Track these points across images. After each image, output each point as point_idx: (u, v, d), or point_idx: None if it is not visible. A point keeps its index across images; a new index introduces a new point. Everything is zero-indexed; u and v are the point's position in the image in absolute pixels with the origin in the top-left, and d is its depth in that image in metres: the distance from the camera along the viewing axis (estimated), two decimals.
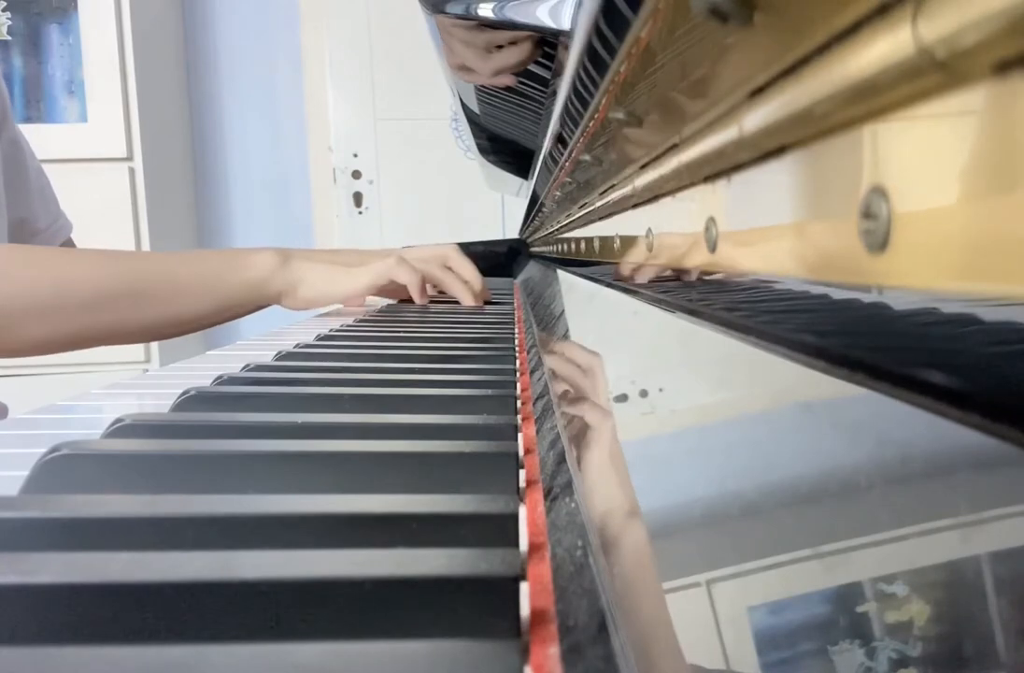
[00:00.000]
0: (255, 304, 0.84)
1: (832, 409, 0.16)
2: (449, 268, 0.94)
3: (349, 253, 0.93)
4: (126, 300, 0.75)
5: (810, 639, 0.13)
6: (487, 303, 0.95)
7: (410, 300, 0.92)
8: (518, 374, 0.46)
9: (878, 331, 0.15)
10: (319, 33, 2.32)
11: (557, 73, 0.48)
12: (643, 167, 0.34)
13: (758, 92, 0.18)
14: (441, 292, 0.98)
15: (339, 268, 0.86)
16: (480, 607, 0.17)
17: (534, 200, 1.12)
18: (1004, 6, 0.09)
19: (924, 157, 0.12)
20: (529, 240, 1.55)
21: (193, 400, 0.36)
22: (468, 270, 0.95)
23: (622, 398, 0.30)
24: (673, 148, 0.28)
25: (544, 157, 0.70)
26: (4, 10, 1.96)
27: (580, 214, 0.67)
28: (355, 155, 2.36)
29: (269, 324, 0.87)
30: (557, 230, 0.95)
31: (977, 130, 0.10)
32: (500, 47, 0.60)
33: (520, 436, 0.32)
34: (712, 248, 0.24)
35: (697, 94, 0.23)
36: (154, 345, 2.01)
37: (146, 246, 2.00)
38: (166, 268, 0.80)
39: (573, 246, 0.78)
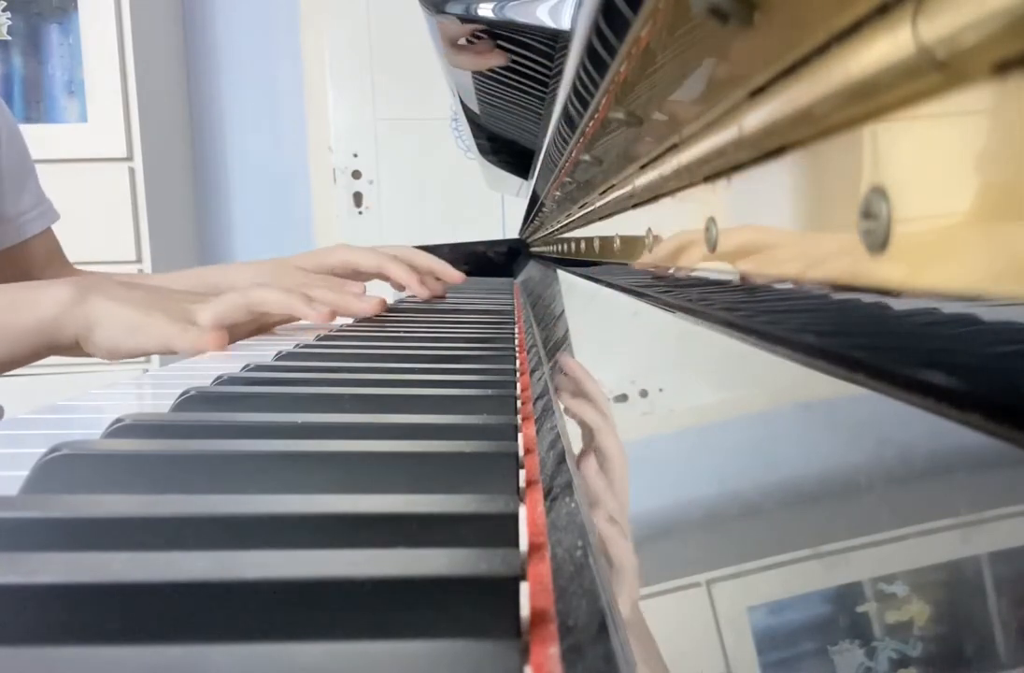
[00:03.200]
0: (49, 350, 0.67)
1: (832, 409, 0.16)
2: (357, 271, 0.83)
3: (201, 274, 0.76)
4: None
5: (810, 639, 0.13)
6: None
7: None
8: (518, 374, 0.46)
9: (878, 331, 0.15)
10: (319, 33, 2.32)
11: (557, 73, 0.48)
12: (643, 167, 0.34)
13: (758, 92, 0.18)
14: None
15: (152, 312, 0.65)
16: (480, 607, 0.17)
17: (534, 200, 1.12)
18: (1004, 6, 0.09)
19: (924, 157, 0.12)
20: (529, 240, 1.55)
21: (193, 400, 0.36)
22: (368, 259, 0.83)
23: (622, 398, 0.30)
24: (673, 148, 0.28)
25: (544, 157, 0.70)
26: (4, 10, 1.96)
27: (580, 214, 0.67)
28: (355, 155, 2.36)
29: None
30: (557, 230, 0.95)
31: (977, 130, 0.10)
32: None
33: (520, 436, 0.32)
34: (712, 248, 0.24)
35: (697, 94, 0.23)
36: None
37: (146, 246, 1.99)
38: None
39: (573, 246, 0.78)
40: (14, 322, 0.64)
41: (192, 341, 0.63)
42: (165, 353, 0.67)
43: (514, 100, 0.75)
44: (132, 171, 1.98)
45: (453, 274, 0.94)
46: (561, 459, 0.27)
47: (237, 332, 0.72)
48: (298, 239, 2.40)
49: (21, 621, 0.17)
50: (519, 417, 0.36)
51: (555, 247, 1.00)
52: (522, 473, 0.28)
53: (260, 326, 0.77)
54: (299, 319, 0.78)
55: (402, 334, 0.64)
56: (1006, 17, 0.09)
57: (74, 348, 0.67)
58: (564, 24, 0.47)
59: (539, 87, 0.61)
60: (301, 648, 0.15)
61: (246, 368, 0.45)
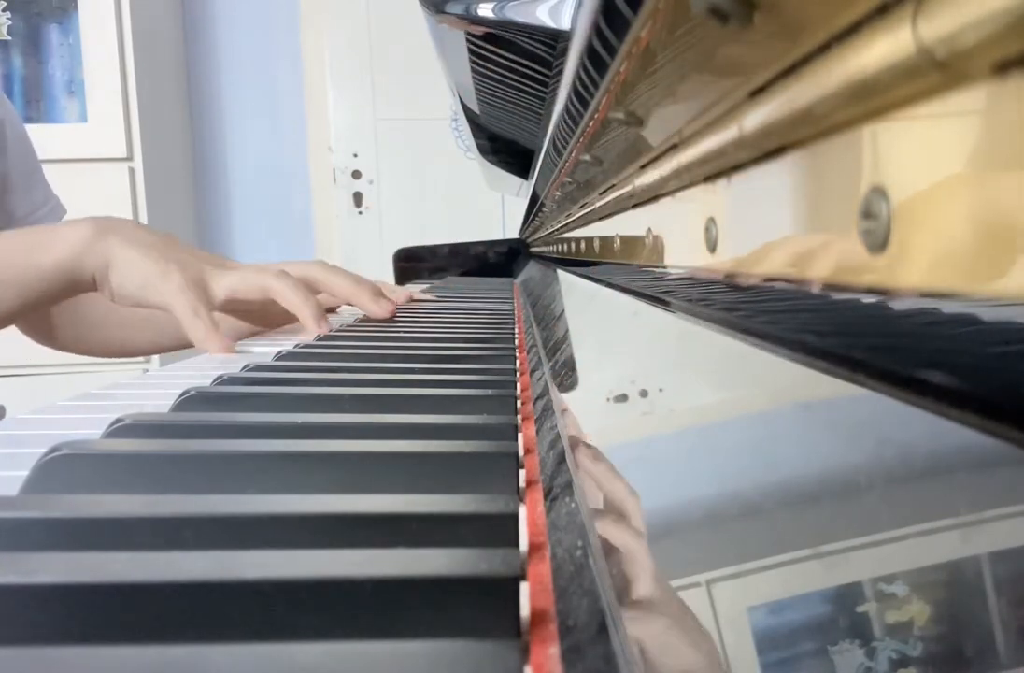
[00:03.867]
0: (72, 288, 0.66)
1: (832, 409, 0.16)
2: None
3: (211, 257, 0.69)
4: None
5: (810, 639, 0.13)
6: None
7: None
8: (518, 374, 0.46)
9: (878, 331, 0.15)
10: (319, 33, 2.32)
11: (557, 73, 0.48)
12: (643, 167, 0.34)
13: (758, 92, 0.18)
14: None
15: (169, 271, 0.62)
16: (480, 607, 0.17)
17: (534, 200, 1.12)
18: (1004, 6, 0.09)
19: (924, 157, 0.12)
20: (529, 240, 1.55)
21: (193, 400, 0.36)
22: (340, 284, 0.72)
23: (622, 398, 0.30)
24: (673, 148, 0.28)
25: (544, 157, 0.70)
26: (4, 10, 1.96)
27: (580, 214, 0.67)
28: (355, 155, 2.36)
29: None
30: (557, 230, 0.95)
31: (977, 130, 0.10)
32: None
33: (520, 436, 0.32)
34: (712, 248, 0.24)
35: (697, 94, 0.23)
36: None
37: None
38: None
39: (573, 246, 0.78)
40: (37, 262, 0.64)
41: (198, 337, 0.61)
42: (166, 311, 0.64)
43: (514, 100, 0.75)
44: (132, 171, 1.98)
45: (369, 305, 0.74)
46: (561, 459, 0.27)
47: (245, 310, 0.71)
48: (298, 239, 2.40)
49: (21, 621, 0.17)
50: (519, 417, 0.36)
51: (555, 247, 1.00)
52: (522, 473, 0.28)
53: (267, 315, 0.75)
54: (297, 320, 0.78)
55: (402, 334, 0.64)
56: (1006, 17, 0.09)
57: (94, 286, 0.66)
58: (564, 24, 0.47)
59: (539, 87, 0.61)
60: (301, 648, 0.15)
61: (246, 368, 0.45)
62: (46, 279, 0.64)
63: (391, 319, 0.74)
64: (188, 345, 0.66)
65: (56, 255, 0.64)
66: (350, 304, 0.74)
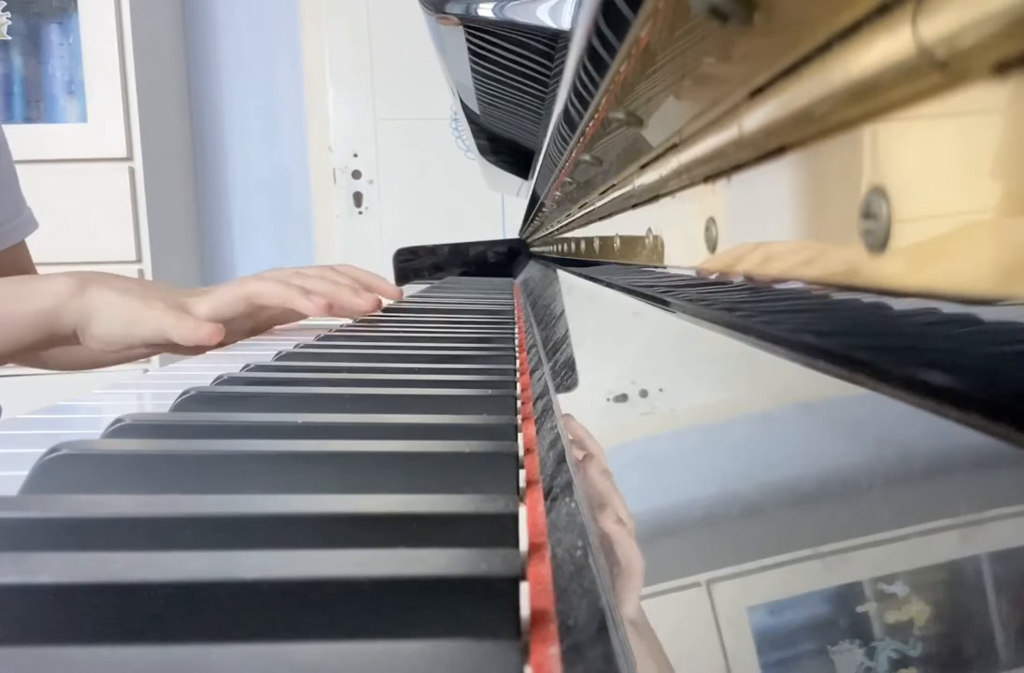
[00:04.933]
0: (50, 340, 0.68)
1: (832, 409, 0.16)
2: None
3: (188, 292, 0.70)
4: None
5: (810, 639, 0.13)
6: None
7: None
8: (518, 374, 0.46)
9: (878, 331, 0.15)
10: (319, 33, 2.32)
11: (557, 73, 0.48)
12: (643, 167, 0.34)
13: (758, 92, 0.18)
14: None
15: (150, 302, 0.64)
16: (480, 607, 0.17)
17: (534, 200, 1.12)
18: (1004, 6, 0.09)
19: (924, 157, 0.12)
20: (529, 240, 1.55)
21: (193, 400, 0.36)
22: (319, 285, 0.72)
23: (622, 398, 0.30)
24: (673, 148, 0.28)
25: (544, 157, 0.70)
26: (4, 10, 1.96)
27: (580, 214, 0.67)
28: (355, 155, 2.36)
29: None
30: (557, 230, 0.95)
31: (977, 130, 0.10)
32: None
33: (520, 436, 0.32)
34: (712, 248, 0.24)
35: (697, 94, 0.23)
36: None
37: (146, 246, 2.00)
38: None
39: (573, 246, 0.78)
40: (15, 312, 0.65)
41: (189, 329, 0.63)
42: (160, 343, 0.66)
43: (514, 100, 0.75)
44: (132, 171, 1.98)
45: (389, 290, 0.81)
46: (561, 459, 0.27)
47: (235, 329, 0.71)
48: (298, 239, 2.40)
49: (21, 621, 0.17)
50: (519, 417, 0.36)
51: (555, 247, 1.00)
52: (522, 473, 0.28)
53: (257, 324, 0.76)
54: (296, 316, 0.78)
55: (402, 334, 0.64)
56: (1006, 17, 0.09)
57: (73, 339, 0.67)
58: (564, 24, 0.47)
59: (539, 87, 0.61)
60: (301, 648, 0.15)
61: (246, 368, 0.45)
62: (24, 330, 0.65)
63: (387, 317, 0.73)
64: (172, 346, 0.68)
65: (37, 305, 0.65)
66: (332, 307, 0.72)
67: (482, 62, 0.67)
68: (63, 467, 0.26)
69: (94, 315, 0.65)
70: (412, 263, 1.63)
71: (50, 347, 0.69)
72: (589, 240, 0.63)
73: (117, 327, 0.65)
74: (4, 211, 0.92)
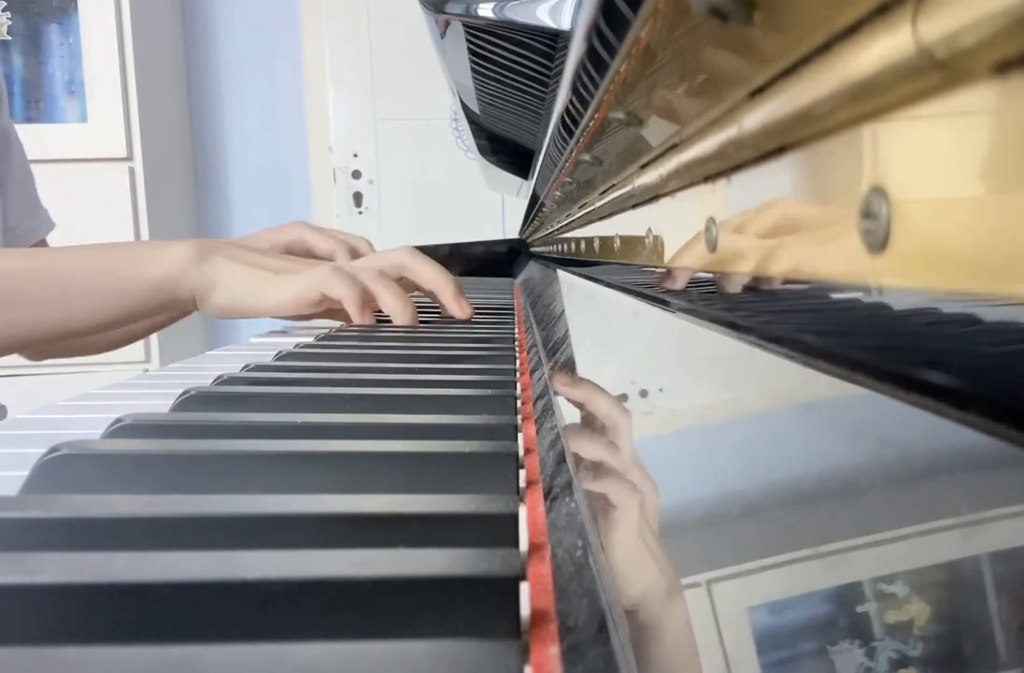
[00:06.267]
0: (166, 308, 0.69)
1: (832, 409, 0.16)
2: (403, 277, 0.73)
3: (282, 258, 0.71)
4: None
5: (810, 639, 0.13)
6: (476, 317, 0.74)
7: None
8: (518, 374, 0.46)
9: (878, 331, 0.15)
10: (319, 33, 2.31)
11: (557, 73, 0.48)
12: (643, 167, 0.34)
13: (758, 92, 0.18)
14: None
15: (266, 275, 0.67)
16: (480, 607, 0.17)
17: (534, 200, 1.12)
18: (1004, 6, 0.09)
19: (924, 157, 0.12)
20: (529, 240, 1.55)
21: (193, 400, 0.36)
22: (428, 274, 0.73)
23: (622, 398, 0.30)
24: (673, 148, 0.28)
25: (544, 157, 0.70)
26: (4, 10, 1.96)
27: (580, 214, 0.67)
28: (355, 155, 2.36)
29: (270, 324, 0.86)
30: (557, 230, 0.95)
31: (977, 130, 0.10)
32: None
33: (520, 436, 0.32)
34: (712, 248, 0.24)
35: (697, 94, 0.23)
36: (154, 345, 2.00)
37: None
38: (49, 265, 0.66)
39: (573, 246, 0.78)
40: (135, 276, 0.66)
41: (301, 289, 0.65)
42: (276, 314, 0.68)
43: (514, 100, 0.75)
44: (132, 171, 1.98)
45: (451, 302, 0.73)
46: (561, 459, 0.27)
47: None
48: None
49: (21, 621, 0.17)
50: (519, 417, 0.36)
51: (555, 247, 1.00)
52: (522, 473, 0.28)
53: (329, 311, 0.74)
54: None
55: (402, 334, 0.64)
56: (1006, 17, 0.09)
57: (191, 305, 0.68)
58: (564, 24, 0.47)
59: (539, 87, 0.61)
60: (301, 648, 0.15)
61: (246, 368, 0.45)
62: (145, 292, 0.66)
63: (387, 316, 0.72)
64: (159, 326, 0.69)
65: (158, 271, 0.66)
66: (431, 297, 0.74)
67: (482, 62, 0.67)
68: (63, 467, 0.26)
69: (218, 284, 0.66)
70: None
71: (168, 312, 0.71)
72: (589, 240, 0.63)
73: (239, 296, 0.66)
74: (21, 212, 0.93)
